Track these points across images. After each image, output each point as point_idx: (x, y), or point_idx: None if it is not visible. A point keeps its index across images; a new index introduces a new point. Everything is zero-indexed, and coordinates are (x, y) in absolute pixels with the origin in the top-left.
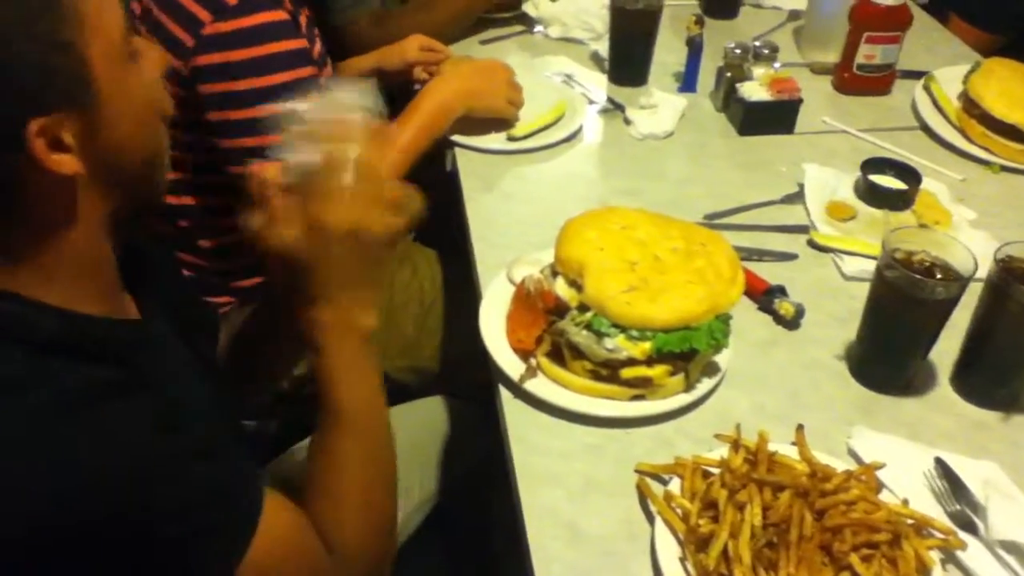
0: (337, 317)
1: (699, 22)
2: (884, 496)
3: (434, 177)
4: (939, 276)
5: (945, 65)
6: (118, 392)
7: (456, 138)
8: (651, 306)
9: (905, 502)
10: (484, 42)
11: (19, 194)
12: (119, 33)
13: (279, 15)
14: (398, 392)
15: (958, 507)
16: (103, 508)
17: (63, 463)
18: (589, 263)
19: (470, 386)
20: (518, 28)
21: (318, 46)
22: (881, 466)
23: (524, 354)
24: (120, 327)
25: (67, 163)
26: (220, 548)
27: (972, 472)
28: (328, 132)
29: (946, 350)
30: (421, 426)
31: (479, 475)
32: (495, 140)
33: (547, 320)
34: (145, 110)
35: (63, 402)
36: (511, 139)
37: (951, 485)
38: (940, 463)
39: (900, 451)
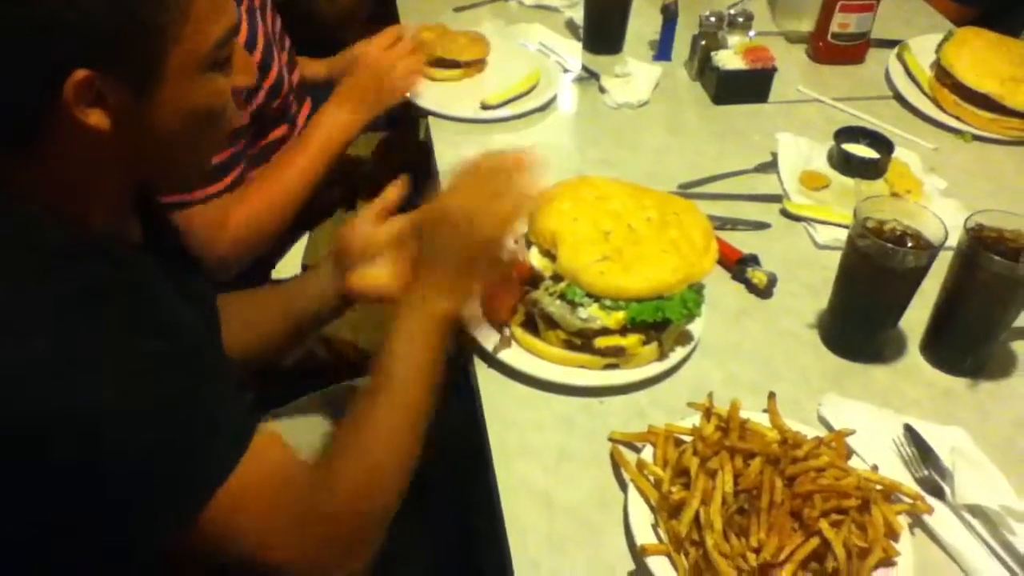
0: (419, 293)
1: None
2: (854, 462)
3: (409, 148)
4: (910, 245)
5: (919, 35)
6: (125, 290)
7: (429, 106)
8: (624, 276)
9: (874, 468)
10: (458, 9)
11: (43, 125)
12: (214, 40)
13: None
14: (367, 363)
15: (926, 473)
16: (96, 394)
17: (60, 355)
18: (563, 233)
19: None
20: None
21: (243, 32)
22: (851, 433)
23: (498, 324)
24: (123, 246)
25: (96, 116)
26: (207, 467)
27: (940, 438)
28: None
29: (916, 319)
30: None
31: (457, 447)
32: (468, 109)
33: (521, 290)
34: (202, 116)
35: (77, 292)
36: (484, 107)
37: (919, 451)
38: (909, 430)
39: (870, 418)
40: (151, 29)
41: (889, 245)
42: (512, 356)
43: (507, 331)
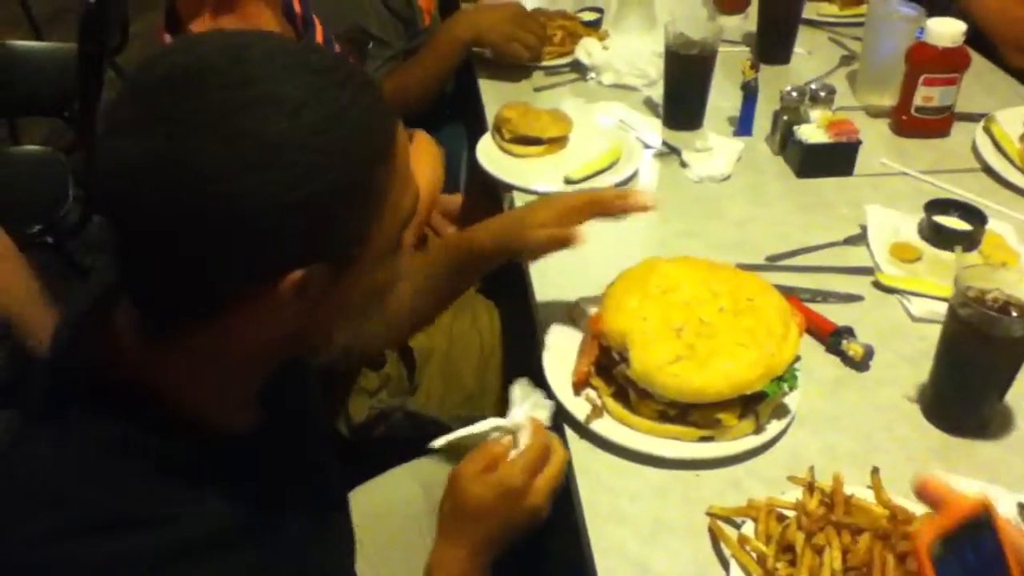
0: (474, 564)
1: (754, 66)
2: None
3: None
4: (1015, 314)
5: (1004, 107)
6: (222, 546)
7: (513, 181)
8: (700, 375)
9: None
10: (538, 89)
11: (232, 311)
12: (404, 216)
13: None
14: None
15: None
16: None
17: None
18: (633, 334)
19: None
20: (572, 75)
21: None
22: None
23: (578, 386)
24: (240, 447)
25: (296, 307)
26: None
27: None
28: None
29: (1023, 392)
30: None
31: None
32: (552, 183)
33: (597, 348)
34: (379, 293)
35: (175, 552)
36: (568, 182)
37: None
38: None
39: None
40: (364, 218)
41: (993, 313)
42: (604, 427)
43: (599, 402)
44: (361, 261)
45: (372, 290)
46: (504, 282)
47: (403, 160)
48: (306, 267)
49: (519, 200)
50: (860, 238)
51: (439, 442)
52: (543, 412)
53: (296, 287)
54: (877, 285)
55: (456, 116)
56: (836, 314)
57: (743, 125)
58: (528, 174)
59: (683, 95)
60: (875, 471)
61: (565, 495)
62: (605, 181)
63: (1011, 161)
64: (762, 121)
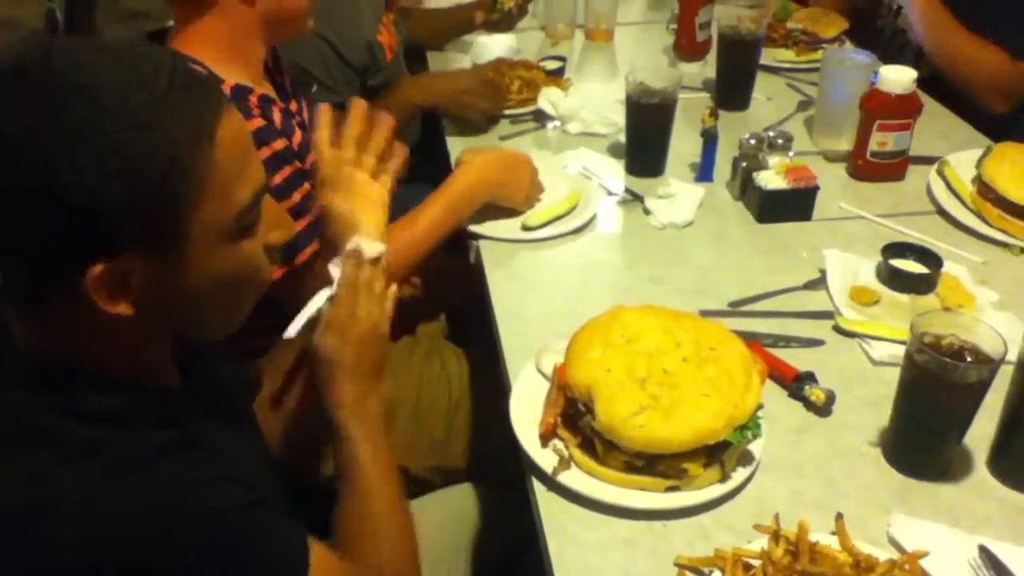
0: (356, 401)
1: (714, 114)
2: None
3: (459, 274)
4: (969, 359)
5: (957, 150)
6: (173, 451)
7: (475, 229)
8: (666, 426)
9: None
10: (503, 137)
11: (69, 306)
12: (239, 207)
13: (254, 123)
14: (422, 490)
15: None
16: (162, 560)
17: (129, 519)
18: (597, 386)
19: (498, 480)
20: (535, 124)
21: (298, 136)
22: (924, 555)
23: (547, 436)
24: (166, 395)
25: (120, 307)
26: None
27: (1018, 560)
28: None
29: (981, 434)
30: (448, 515)
31: (508, 570)
32: (509, 229)
33: (562, 399)
34: (230, 283)
35: (126, 462)
36: (525, 228)
37: (998, 575)
38: (985, 552)
39: (942, 539)
40: (168, 200)
41: (948, 360)
42: (572, 478)
43: (566, 453)
44: (185, 249)
45: (219, 276)
46: (471, 329)
47: (231, 148)
48: (112, 259)
49: (484, 248)
50: (820, 282)
51: (292, 331)
52: (373, 249)
53: (106, 279)
54: (837, 329)
55: (425, 177)
56: (798, 359)
57: (704, 171)
58: (483, 219)
59: (645, 143)
60: (839, 517)
61: (535, 550)
62: (563, 227)
63: (964, 203)
64: (723, 166)
